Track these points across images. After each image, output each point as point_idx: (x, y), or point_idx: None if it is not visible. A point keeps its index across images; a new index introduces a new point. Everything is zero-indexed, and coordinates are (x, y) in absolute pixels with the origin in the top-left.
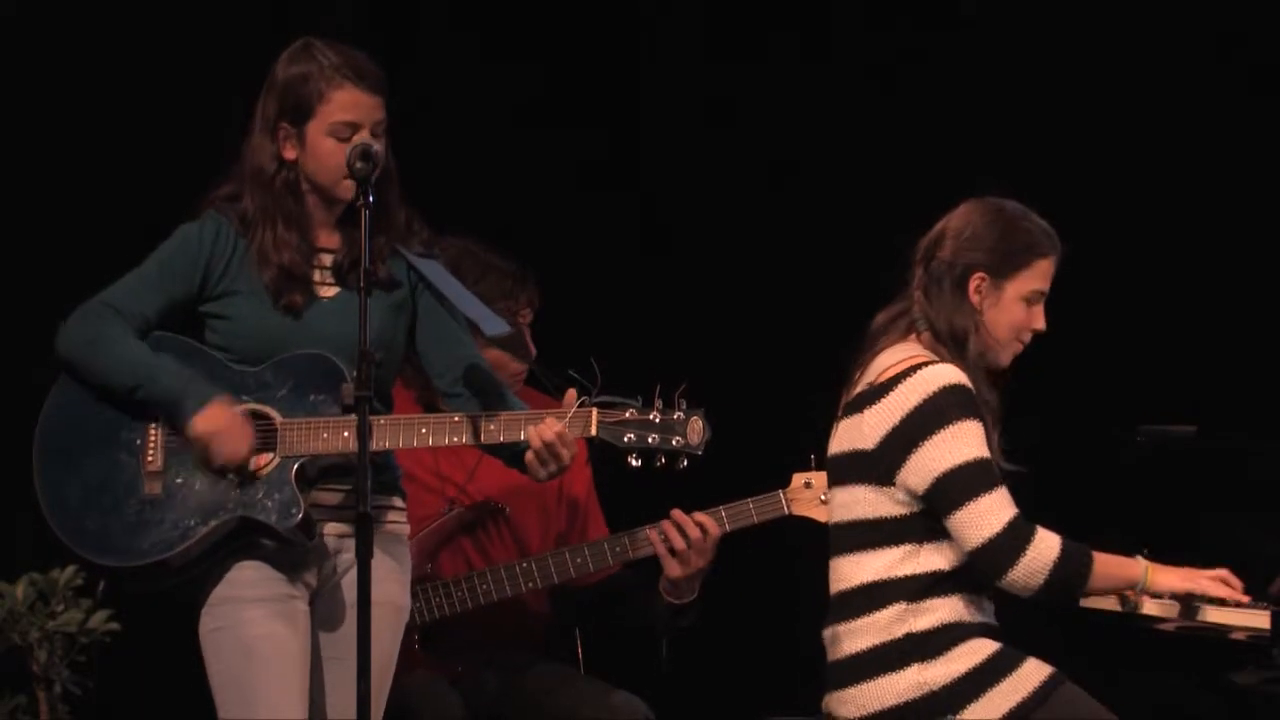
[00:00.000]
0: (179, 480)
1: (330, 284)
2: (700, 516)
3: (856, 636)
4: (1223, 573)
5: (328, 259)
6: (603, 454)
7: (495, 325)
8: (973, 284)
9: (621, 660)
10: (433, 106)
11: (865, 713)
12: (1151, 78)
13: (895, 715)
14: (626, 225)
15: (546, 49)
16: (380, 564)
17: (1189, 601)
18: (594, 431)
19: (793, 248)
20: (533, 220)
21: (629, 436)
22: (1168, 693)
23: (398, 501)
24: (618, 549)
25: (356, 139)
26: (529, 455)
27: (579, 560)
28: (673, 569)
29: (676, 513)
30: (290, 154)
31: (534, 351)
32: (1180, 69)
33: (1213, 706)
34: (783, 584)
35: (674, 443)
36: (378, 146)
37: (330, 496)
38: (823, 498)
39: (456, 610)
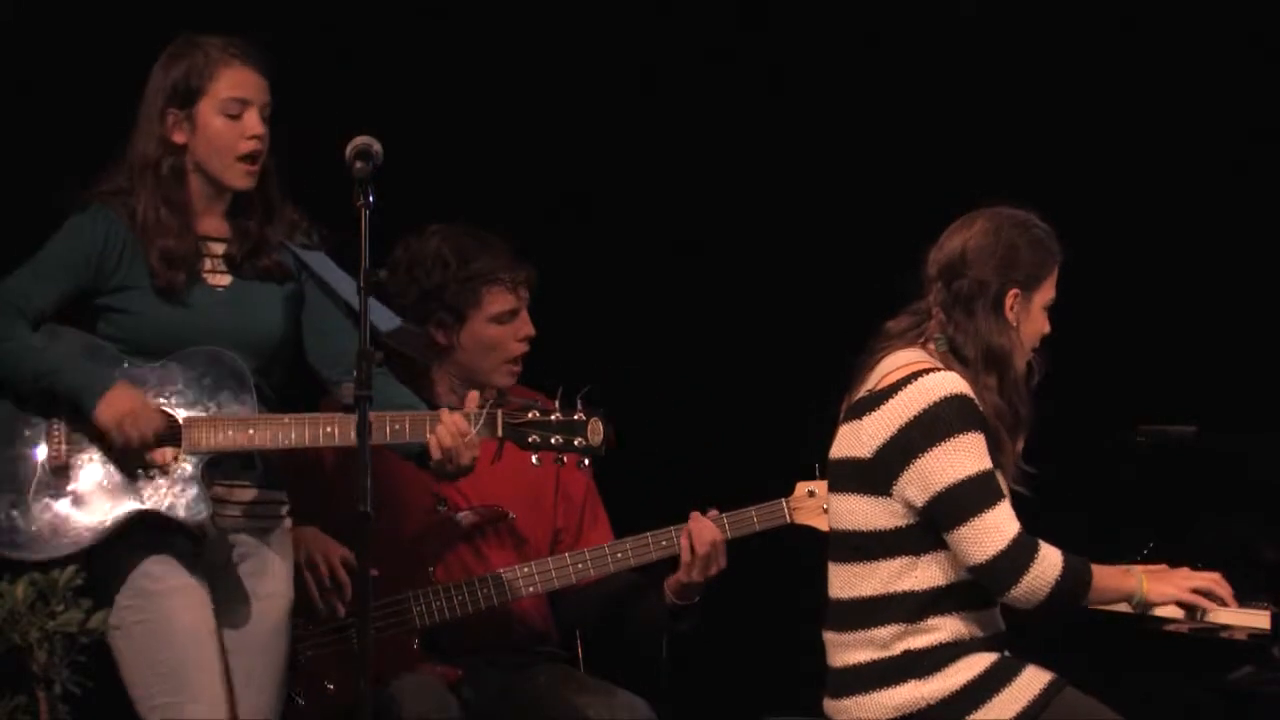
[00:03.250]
0: (85, 475)
1: (223, 272)
2: (709, 527)
3: (854, 649)
4: (1215, 576)
5: (219, 248)
6: (605, 458)
7: (387, 320)
8: (1009, 302)
9: (622, 661)
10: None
11: None
12: (1151, 77)
13: None
14: (633, 231)
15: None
16: (271, 559)
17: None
18: (500, 432)
19: (799, 254)
20: (536, 222)
21: (533, 437)
22: (1167, 693)
23: (283, 496)
24: (619, 555)
25: (246, 116)
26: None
27: (580, 565)
28: (686, 573)
29: (696, 517)
30: (180, 138)
31: (533, 332)
32: (1179, 69)
33: (1213, 707)
34: (784, 585)
35: (576, 443)
36: (376, 146)
37: (226, 491)
38: (825, 507)
39: (457, 614)
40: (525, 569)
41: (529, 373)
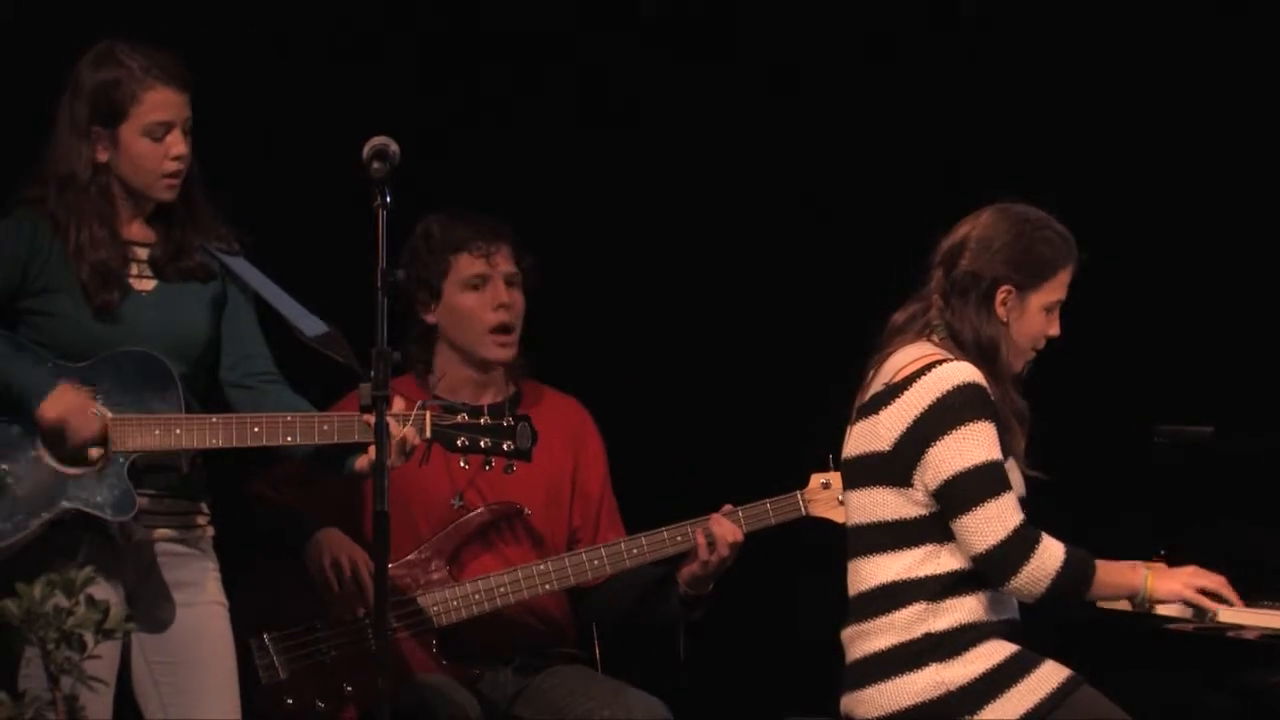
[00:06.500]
0: (7, 473)
1: (148, 277)
2: (730, 528)
3: (875, 636)
4: (1220, 579)
5: (143, 252)
6: (618, 452)
7: (313, 325)
8: (1000, 297)
9: (639, 660)
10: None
11: (883, 713)
12: (1164, 75)
13: (913, 715)
14: (643, 224)
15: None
16: (194, 567)
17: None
18: (428, 434)
19: (810, 248)
20: (550, 220)
21: (462, 440)
22: (1183, 694)
23: (205, 507)
24: (635, 550)
25: (169, 138)
26: (362, 460)
27: (597, 562)
28: (701, 567)
29: (718, 518)
30: (103, 156)
31: (508, 299)
32: (1192, 66)
33: (1228, 708)
34: (801, 585)
35: (505, 447)
36: (394, 147)
37: (149, 501)
38: (840, 499)
39: (474, 613)
40: (542, 566)
41: (547, 371)
